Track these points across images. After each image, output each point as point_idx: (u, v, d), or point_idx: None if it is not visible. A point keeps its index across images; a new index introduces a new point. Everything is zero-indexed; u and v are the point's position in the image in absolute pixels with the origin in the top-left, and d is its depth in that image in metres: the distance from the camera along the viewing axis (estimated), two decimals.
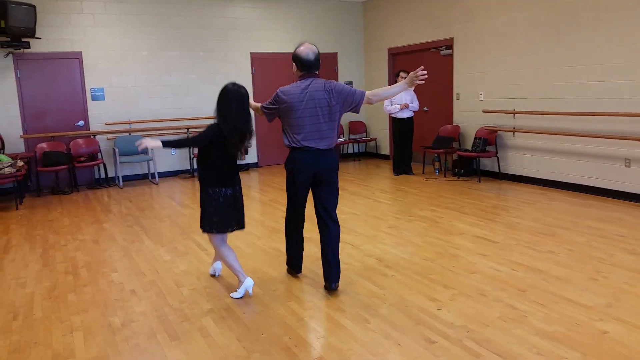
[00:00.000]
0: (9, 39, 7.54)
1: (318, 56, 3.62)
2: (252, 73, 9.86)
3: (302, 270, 4.12)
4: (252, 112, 3.70)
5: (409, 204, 6.34)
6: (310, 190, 3.75)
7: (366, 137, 10.91)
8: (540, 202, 6.27)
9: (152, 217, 6.21)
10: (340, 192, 7.18)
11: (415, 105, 8.33)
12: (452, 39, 8.55)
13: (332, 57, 10.65)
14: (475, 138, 7.89)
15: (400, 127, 8.37)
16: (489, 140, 7.78)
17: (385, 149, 10.57)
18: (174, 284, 3.96)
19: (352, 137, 10.83)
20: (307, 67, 3.58)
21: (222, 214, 3.57)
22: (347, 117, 10.89)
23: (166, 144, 3.38)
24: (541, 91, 7.13)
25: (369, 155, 11.04)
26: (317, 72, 3.63)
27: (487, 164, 8.06)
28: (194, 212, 6.38)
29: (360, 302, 3.47)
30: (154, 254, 4.73)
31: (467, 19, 8.17)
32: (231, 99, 3.47)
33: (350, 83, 10.87)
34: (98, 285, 3.99)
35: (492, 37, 7.78)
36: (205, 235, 5.25)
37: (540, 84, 7.13)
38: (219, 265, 4.10)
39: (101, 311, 3.50)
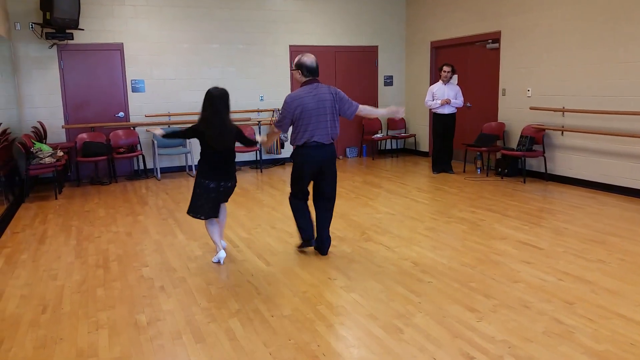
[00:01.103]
0: (53, 31, 7.66)
1: (318, 64, 4.23)
2: (295, 67, 9.71)
3: (334, 273, 3.97)
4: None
5: (448, 205, 6.09)
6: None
7: (405, 133, 10.64)
8: (590, 206, 5.91)
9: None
10: (376, 190, 7.00)
11: (459, 101, 8.01)
12: (499, 33, 8.18)
13: (372, 51, 10.40)
14: (521, 136, 7.53)
15: (441, 124, 8.09)
16: (535, 139, 7.41)
17: (425, 146, 10.27)
18: (204, 282, 3.87)
19: (391, 132, 10.57)
20: (312, 73, 4.16)
21: (198, 202, 4.15)
22: None
23: (165, 135, 4.26)
24: (594, 88, 6.72)
25: (407, 152, 10.77)
26: (318, 78, 4.23)
27: (533, 164, 7.69)
28: (228, 206, 6.30)
29: (393, 310, 3.29)
30: (186, 249, 4.67)
31: (517, 11, 7.79)
32: (207, 100, 4.04)
33: (391, 77, 10.61)
34: (127, 281, 3.95)
35: (542, 31, 7.38)
36: (239, 233, 5.17)
37: (593, 81, 6.71)
38: (222, 254, 4.28)
39: (128, 308, 3.45)
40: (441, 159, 8.23)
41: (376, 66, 10.50)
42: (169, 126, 8.74)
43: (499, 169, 7.89)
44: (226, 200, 4.36)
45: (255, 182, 8.05)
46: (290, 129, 4.25)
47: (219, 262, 4.25)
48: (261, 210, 6.13)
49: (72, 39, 7.81)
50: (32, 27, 7.78)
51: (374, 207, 6.06)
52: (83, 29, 7.99)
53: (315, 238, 4.43)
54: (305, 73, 4.16)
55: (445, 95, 7.97)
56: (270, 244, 4.77)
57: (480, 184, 7.27)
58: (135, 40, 8.54)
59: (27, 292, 3.79)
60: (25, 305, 3.55)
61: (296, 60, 4.18)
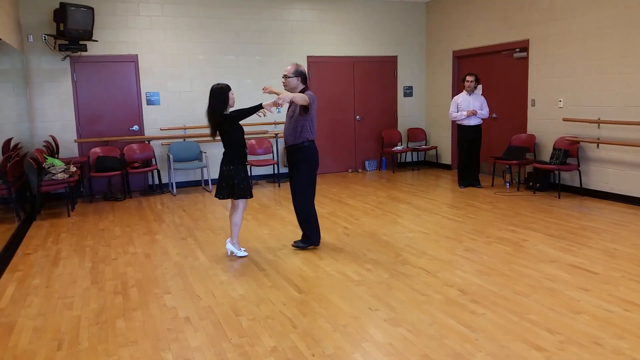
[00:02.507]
0: (67, 42, 7.43)
1: None
2: (309, 77, 9.43)
3: (374, 302, 3.63)
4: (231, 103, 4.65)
5: (483, 222, 5.73)
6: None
7: (426, 145, 10.30)
8: (634, 223, 5.53)
9: (206, 229, 5.86)
10: (403, 206, 6.67)
11: (484, 112, 7.68)
12: (527, 41, 7.85)
13: (391, 61, 10.11)
14: (554, 149, 7.17)
15: (467, 136, 7.74)
16: (569, 152, 7.05)
17: (447, 158, 9.93)
18: (232, 312, 3.54)
19: (411, 144, 10.24)
20: (306, 80, 4.75)
21: (218, 184, 4.70)
22: (406, 124, 10.32)
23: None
24: (632, 98, 6.37)
25: (428, 164, 10.42)
26: None
27: (566, 177, 7.32)
28: (249, 224, 5.99)
29: (449, 349, 2.94)
30: (209, 273, 4.34)
31: (546, 18, 7.47)
32: (210, 94, 4.60)
33: (410, 88, 10.30)
34: (149, 310, 3.62)
35: (575, 38, 7.05)
36: (264, 254, 4.84)
37: (631, 90, 6.36)
38: (229, 246, 4.75)
39: (152, 343, 3.12)
40: (468, 172, 7.88)
41: (395, 77, 10.20)
42: (184, 140, 8.47)
43: (530, 183, 7.52)
44: (234, 191, 4.60)
45: (274, 197, 7.74)
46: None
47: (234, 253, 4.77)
48: (284, 228, 5.80)
49: (86, 50, 7.58)
50: (45, 39, 7.55)
51: (405, 225, 5.72)
52: (97, 40, 7.75)
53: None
54: (303, 81, 4.70)
55: (471, 106, 7.64)
56: (300, 267, 4.43)
57: (513, 199, 6.91)
58: (150, 51, 8.29)
59: (40, 323, 3.48)
60: (38, 339, 3.23)
61: (295, 69, 4.67)
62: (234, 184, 4.58)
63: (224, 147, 4.66)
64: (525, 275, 4.06)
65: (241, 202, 4.69)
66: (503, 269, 4.22)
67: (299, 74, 4.64)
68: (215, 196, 4.70)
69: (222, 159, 4.65)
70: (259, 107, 4.62)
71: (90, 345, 3.12)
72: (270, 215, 6.49)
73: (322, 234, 5.41)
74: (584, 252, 4.61)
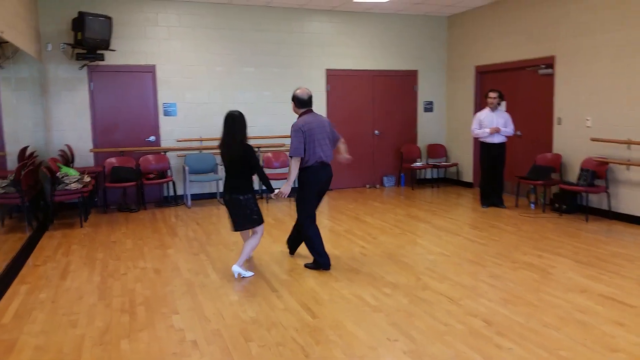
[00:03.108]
0: (84, 51, 7.39)
1: (311, 96, 4.75)
2: (327, 91, 9.31)
3: (393, 331, 3.41)
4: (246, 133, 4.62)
5: (508, 246, 5.48)
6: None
7: (446, 161, 10.06)
8: None
9: (219, 244, 5.70)
10: (423, 226, 6.45)
11: (509, 129, 7.43)
12: (553, 57, 7.61)
13: (412, 75, 9.93)
14: (581, 170, 6.89)
15: (490, 154, 7.49)
16: (597, 173, 6.76)
17: (468, 176, 9.67)
18: (242, 337, 3.35)
19: (431, 161, 10.01)
20: (305, 104, 4.72)
21: (237, 214, 4.58)
22: (426, 140, 10.10)
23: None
24: None
25: (449, 181, 10.17)
26: (311, 108, 4.77)
27: (594, 200, 7.02)
28: (263, 240, 5.81)
29: None
30: (220, 292, 4.17)
31: (574, 34, 7.23)
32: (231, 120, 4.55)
33: (431, 103, 10.10)
34: (155, 331, 3.45)
35: (604, 55, 6.80)
36: (277, 273, 4.65)
37: None
38: (237, 269, 4.55)
39: None
40: (491, 191, 7.62)
41: (415, 91, 10.01)
42: (200, 152, 8.36)
43: (556, 205, 7.24)
44: (241, 221, 4.56)
45: (289, 212, 7.56)
46: None
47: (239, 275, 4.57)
48: (299, 246, 5.59)
49: (103, 59, 7.53)
50: (63, 48, 7.53)
51: (425, 247, 5.49)
52: (114, 50, 7.71)
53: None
54: (298, 104, 4.72)
55: (494, 123, 7.40)
56: (314, 288, 4.23)
57: (538, 221, 6.64)
58: (168, 62, 8.23)
59: (42, 341, 3.33)
60: None
61: (292, 95, 4.76)
62: (253, 211, 4.55)
63: (237, 175, 4.53)
64: (554, 305, 3.81)
65: (260, 228, 4.70)
66: (530, 298, 3.97)
67: (293, 98, 4.76)
68: (236, 229, 4.65)
69: (240, 188, 4.52)
70: (271, 189, 4.75)
71: None
72: (285, 231, 6.29)
73: (338, 253, 5.23)
74: (616, 281, 4.33)
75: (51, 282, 4.49)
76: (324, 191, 4.86)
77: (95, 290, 4.27)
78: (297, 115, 4.78)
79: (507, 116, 7.47)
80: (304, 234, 4.78)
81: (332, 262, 4.91)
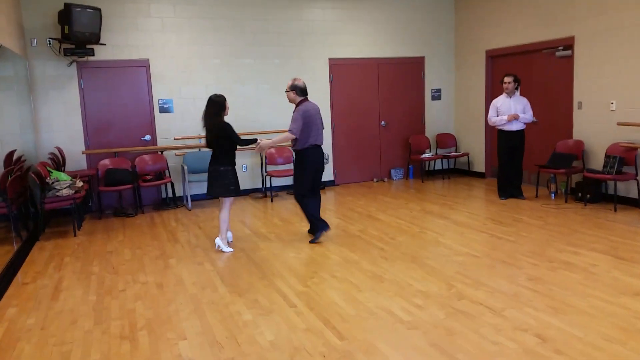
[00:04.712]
0: (72, 46, 6.89)
1: (305, 85, 5.41)
2: (330, 81, 8.83)
3: (435, 353, 2.97)
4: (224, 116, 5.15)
5: (539, 242, 5.04)
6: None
7: (456, 151, 9.61)
8: None
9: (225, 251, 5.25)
10: (441, 222, 6.02)
11: (528, 115, 6.98)
12: (572, 38, 7.15)
13: (419, 62, 9.45)
14: (607, 156, 6.46)
15: (508, 142, 7.05)
16: (625, 160, 6.33)
17: (480, 166, 9.23)
18: None
19: (440, 151, 9.56)
20: (305, 93, 5.36)
21: (215, 183, 5.18)
22: (435, 130, 9.65)
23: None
24: None
25: (459, 172, 9.72)
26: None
27: (620, 188, 6.59)
28: (271, 245, 5.38)
29: None
30: (230, 310, 3.72)
31: (594, 13, 6.77)
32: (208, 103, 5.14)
33: (439, 91, 9.63)
34: None
35: (629, 33, 6.34)
36: (292, 284, 4.21)
37: None
38: (218, 241, 5.24)
39: None
40: (509, 182, 7.18)
41: (423, 79, 9.54)
42: (199, 149, 7.89)
43: (580, 194, 6.81)
44: (218, 189, 5.14)
45: (297, 211, 7.09)
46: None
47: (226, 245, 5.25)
48: (312, 250, 5.16)
49: (93, 55, 7.03)
50: (50, 43, 7.02)
51: (449, 246, 5.05)
52: (105, 44, 7.21)
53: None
54: (300, 93, 5.32)
55: (512, 109, 6.95)
56: (337, 302, 3.78)
57: (563, 213, 6.21)
58: (162, 55, 7.73)
59: None
60: None
61: (291, 84, 5.32)
62: (230, 182, 5.12)
63: (221, 151, 5.13)
64: (609, 313, 3.38)
65: (229, 200, 5.24)
66: (581, 304, 3.53)
67: (294, 87, 5.30)
68: (211, 194, 5.20)
69: (220, 160, 5.12)
70: (254, 141, 5.31)
71: None
72: (294, 233, 5.86)
73: (356, 257, 4.83)
74: None
75: (41, 303, 4.03)
76: (322, 169, 5.49)
77: (90, 312, 3.81)
78: (294, 105, 5.37)
79: (525, 101, 7.02)
80: (300, 204, 5.42)
81: (350, 267, 4.48)
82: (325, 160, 8.89)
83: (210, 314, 3.67)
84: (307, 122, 5.20)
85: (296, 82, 5.34)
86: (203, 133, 5.24)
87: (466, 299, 3.70)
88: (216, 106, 5.07)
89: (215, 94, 5.15)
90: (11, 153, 5.92)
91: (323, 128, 5.45)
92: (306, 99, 5.36)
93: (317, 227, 5.40)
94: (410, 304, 3.65)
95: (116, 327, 3.51)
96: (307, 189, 5.37)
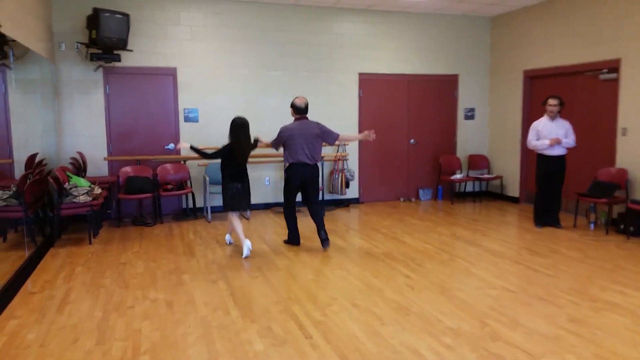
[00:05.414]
0: (99, 51, 6.80)
1: (307, 105, 5.66)
2: (360, 96, 8.57)
3: None
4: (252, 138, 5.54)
5: (580, 278, 4.65)
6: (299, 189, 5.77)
7: (489, 174, 9.22)
8: None
9: (241, 269, 5.00)
10: (473, 249, 5.65)
11: (570, 140, 6.58)
12: (618, 60, 6.76)
13: (452, 80, 9.13)
14: None
15: (547, 168, 6.65)
16: None
17: (514, 190, 8.81)
18: None
19: (472, 173, 9.18)
20: (300, 112, 5.62)
21: (232, 200, 5.48)
22: (466, 150, 9.28)
23: (192, 148, 5.55)
24: None
25: (491, 195, 9.31)
26: (306, 115, 5.68)
27: None
28: (290, 265, 5.10)
29: None
30: (242, 338, 3.44)
31: None
32: (232, 127, 5.44)
33: (472, 110, 9.28)
34: None
35: None
36: (309, 311, 3.91)
37: None
38: (249, 243, 5.42)
39: None
40: (546, 209, 6.77)
41: (455, 97, 9.21)
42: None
43: (622, 226, 6.36)
44: (248, 200, 5.64)
45: (314, 227, 6.80)
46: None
47: (248, 253, 5.37)
48: (332, 273, 4.87)
49: (120, 60, 6.93)
50: (77, 47, 6.95)
51: (482, 278, 4.69)
52: (132, 50, 7.11)
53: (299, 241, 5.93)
54: (295, 111, 5.64)
55: (554, 133, 6.55)
56: (357, 335, 3.47)
57: (604, 246, 5.78)
58: (190, 64, 7.59)
59: None
60: None
61: (291, 102, 5.67)
62: (248, 193, 5.63)
63: (244, 169, 5.56)
64: None
65: (229, 213, 5.65)
66: (631, 355, 3.15)
67: (291, 105, 5.66)
68: (236, 210, 5.58)
69: (243, 176, 5.52)
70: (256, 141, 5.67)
71: None
72: (314, 253, 5.57)
73: (379, 283, 4.52)
74: None
75: (45, 317, 3.82)
76: (310, 185, 5.65)
77: (94, 330, 3.58)
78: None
79: (567, 126, 6.62)
80: (284, 214, 5.85)
81: (373, 295, 4.17)
82: (350, 177, 8.71)
83: (219, 341, 3.40)
84: (284, 139, 5.55)
85: (294, 101, 5.65)
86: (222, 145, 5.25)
87: (501, 341, 3.34)
88: (246, 130, 5.45)
89: (241, 117, 5.48)
90: (33, 156, 5.82)
91: (332, 140, 5.67)
92: (302, 117, 5.62)
93: (290, 238, 5.91)
94: (438, 343, 3.32)
95: (118, 349, 3.27)
96: (290, 199, 5.73)
